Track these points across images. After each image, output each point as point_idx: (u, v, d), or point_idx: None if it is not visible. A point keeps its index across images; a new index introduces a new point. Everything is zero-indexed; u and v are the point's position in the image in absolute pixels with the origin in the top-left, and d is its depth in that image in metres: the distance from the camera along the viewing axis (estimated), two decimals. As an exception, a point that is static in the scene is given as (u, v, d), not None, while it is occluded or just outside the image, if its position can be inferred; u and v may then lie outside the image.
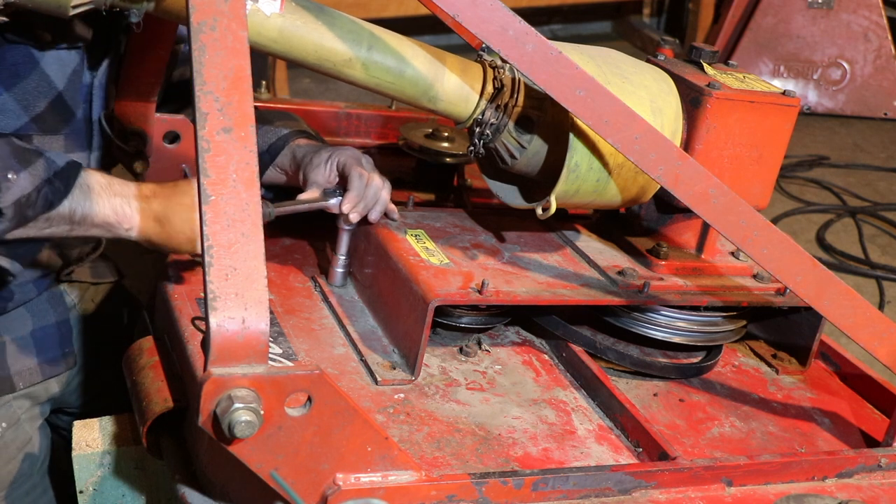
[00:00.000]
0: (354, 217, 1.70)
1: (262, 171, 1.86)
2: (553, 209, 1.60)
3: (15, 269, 1.72)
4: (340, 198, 1.70)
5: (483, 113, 1.63)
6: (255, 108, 2.03)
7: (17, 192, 1.41)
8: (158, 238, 1.54)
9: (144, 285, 2.20)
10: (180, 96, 1.94)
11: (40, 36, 1.56)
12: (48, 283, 1.82)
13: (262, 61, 4.26)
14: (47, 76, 1.60)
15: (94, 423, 1.68)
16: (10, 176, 1.40)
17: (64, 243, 1.79)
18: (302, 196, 1.73)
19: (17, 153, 1.44)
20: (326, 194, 1.71)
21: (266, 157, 1.85)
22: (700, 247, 1.85)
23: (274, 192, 1.92)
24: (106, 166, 1.83)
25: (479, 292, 1.57)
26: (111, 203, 1.50)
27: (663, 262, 1.78)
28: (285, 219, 1.67)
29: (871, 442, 1.71)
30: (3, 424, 1.77)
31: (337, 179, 1.74)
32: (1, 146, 1.42)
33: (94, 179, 1.50)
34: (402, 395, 1.55)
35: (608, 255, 1.81)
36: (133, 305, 2.08)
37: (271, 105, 2.29)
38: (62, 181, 1.45)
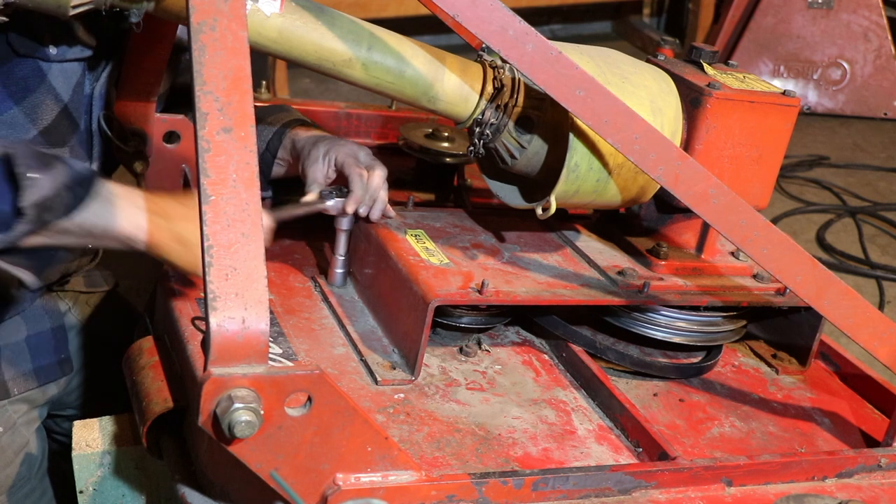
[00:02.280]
0: (363, 211, 1.72)
1: (265, 169, 1.86)
2: (553, 209, 1.60)
3: (32, 282, 1.71)
4: (337, 199, 1.71)
5: (483, 113, 1.63)
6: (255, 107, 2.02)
7: (37, 193, 1.35)
8: (180, 260, 1.48)
9: (142, 288, 2.20)
10: (184, 102, 1.94)
11: (47, 47, 1.56)
12: (43, 292, 1.83)
13: (262, 61, 4.26)
14: (54, 88, 1.60)
15: (94, 423, 1.68)
16: (30, 175, 1.35)
17: (70, 257, 1.79)
18: (301, 199, 1.73)
19: (38, 156, 1.40)
20: (323, 196, 1.72)
21: (268, 156, 1.85)
22: (700, 247, 1.85)
23: (277, 185, 1.93)
24: (106, 174, 1.82)
25: (479, 292, 1.57)
26: (132, 217, 1.44)
27: (663, 262, 1.77)
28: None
29: (871, 442, 1.71)
30: (0, 429, 1.77)
31: (335, 176, 1.74)
32: (22, 148, 1.39)
33: (115, 191, 1.44)
34: (402, 395, 1.55)
35: (608, 255, 1.81)
36: (129, 311, 2.08)
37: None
38: (83, 188, 1.40)
